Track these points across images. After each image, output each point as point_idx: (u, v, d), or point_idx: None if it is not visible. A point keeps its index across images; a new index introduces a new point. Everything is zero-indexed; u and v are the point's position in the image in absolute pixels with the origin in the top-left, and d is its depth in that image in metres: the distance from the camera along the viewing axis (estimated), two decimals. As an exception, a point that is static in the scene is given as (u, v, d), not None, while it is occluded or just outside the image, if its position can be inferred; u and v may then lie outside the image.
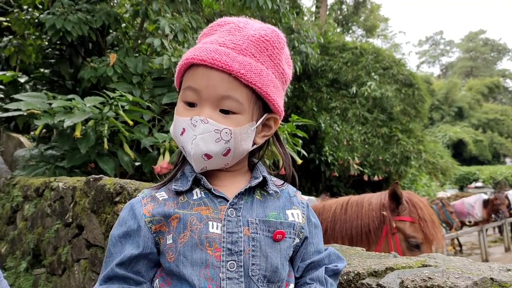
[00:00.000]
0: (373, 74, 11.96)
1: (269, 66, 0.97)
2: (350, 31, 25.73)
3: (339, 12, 23.47)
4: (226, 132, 0.93)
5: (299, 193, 1.11)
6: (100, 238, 2.59)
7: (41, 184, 3.80)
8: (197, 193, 0.97)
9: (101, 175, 2.81)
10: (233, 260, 0.90)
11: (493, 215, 11.23)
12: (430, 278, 1.05)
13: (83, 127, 4.17)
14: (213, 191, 0.96)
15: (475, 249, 12.27)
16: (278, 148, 1.10)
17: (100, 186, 2.63)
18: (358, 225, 2.44)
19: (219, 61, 0.90)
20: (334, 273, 1.07)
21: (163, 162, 3.98)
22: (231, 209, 0.94)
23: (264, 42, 0.95)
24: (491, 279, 1.01)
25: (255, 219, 0.95)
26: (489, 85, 53.14)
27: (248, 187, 0.98)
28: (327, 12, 17.42)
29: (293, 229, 1.00)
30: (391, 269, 1.19)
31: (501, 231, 12.96)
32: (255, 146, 1.03)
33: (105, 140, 4.12)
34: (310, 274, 1.04)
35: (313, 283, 1.02)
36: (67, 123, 3.87)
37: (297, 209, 1.04)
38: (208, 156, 0.94)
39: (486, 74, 63.27)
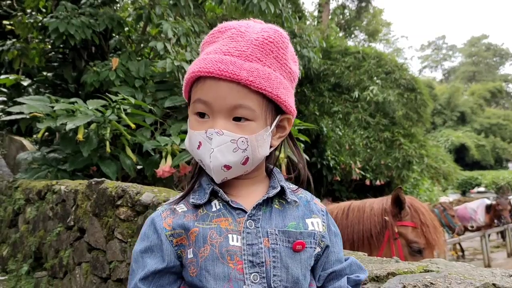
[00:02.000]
0: (375, 78, 11.94)
1: (276, 68, 0.95)
2: (353, 36, 25.78)
3: (341, 16, 23.49)
4: (242, 141, 0.92)
5: (317, 200, 1.10)
6: (101, 242, 2.59)
7: (43, 187, 3.81)
8: (215, 204, 0.97)
9: (103, 179, 2.82)
10: (256, 272, 0.90)
11: (495, 220, 11.21)
12: (432, 283, 1.05)
13: (86, 130, 4.17)
14: (231, 203, 0.95)
15: (478, 255, 12.22)
16: (292, 149, 1.09)
17: (102, 190, 2.64)
18: (360, 230, 2.44)
19: (226, 72, 0.89)
20: (356, 284, 1.05)
21: (165, 166, 3.98)
22: (249, 220, 0.94)
23: (268, 45, 0.94)
24: (493, 284, 1.01)
25: (274, 230, 0.95)
26: (492, 90, 53.07)
27: (266, 198, 0.97)
28: (330, 17, 17.46)
29: (314, 239, 0.99)
30: (393, 274, 1.19)
31: (503, 237, 12.92)
32: (272, 149, 1.02)
33: (107, 143, 4.12)
34: (332, 284, 1.03)
35: None
36: (70, 126, 3.87)
37: (317, 217, 1.03)
38: (228, 167, 0.93)
39: (488, 79, 63.18)
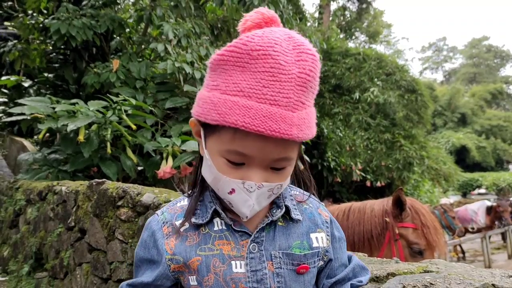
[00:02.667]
0: (376, 80, 11.96)
1: (312, 100, 0.88)
2: (353, 37, 25.78)
3: (342, 18, 23.51)
4: (278, 188, 0.89)
5: (322, 207, 1.08)
6: (102, 242, 2.60)
7: (44, 188, 3.82)
8: (218, 223, 0.95)
9: (103, 179, 2.82)
10: None
11: (496, 222, 11.20)
12: (431, 284, 1.05)
13: (86, 131, 4.18)
14: (233, 227, 0.94)
15: (478, 256, 12.21)
16: (299, 168, 1.03)
17: (103, 190, 2.64)
18: (361, 231, 2.44)
19: (277, 132, 0.78)
20: (356, 287, 1.06)
21: (166, 167, 3.98)
22: (253, 244, 0.92)
23: (309, 81, 0.83)
24: (493, 285, 1.01)
25: (278, 252, 0.93)
26: (492, 91, 53.04)
27: (270, 220, 0.95)
28: (330, 18, 17.47)
29: (317, 257, 0.98)
30: (393, 274, 1.19)
31: (504, 238, 12.90)
32: None
33: (108, 144, 4.13)
34: None
35: None
36: (71, 127, 3.88)
37: (322, 231, 1.01)
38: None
39: (489, 81, 63.17)
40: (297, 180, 1.05)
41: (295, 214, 0.97)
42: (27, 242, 4.00)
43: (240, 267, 0.90)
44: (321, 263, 1.00)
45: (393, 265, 1.30)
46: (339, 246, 1.05)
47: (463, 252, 12.28)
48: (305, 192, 1.06)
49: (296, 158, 0.90)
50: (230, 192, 0.86)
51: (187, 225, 0.95)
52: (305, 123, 0.82)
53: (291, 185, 1.04)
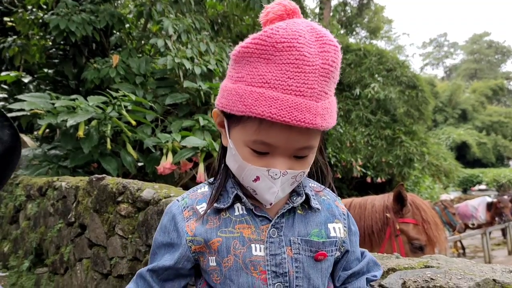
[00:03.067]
0: (376, 76, 11.93)
1: (333, 89, 0.90)
2: (354, 33, 25.73)
3: (342, 13, 23.44)
4: (301, 175, 0.92)
5: (339, 200, 1.09)
6: (102, 238, 2.59)
7: (44, 184, 3.81)
8: (238, 208, 0.97)
9: (103, 175, 2.82)
10: (279, 282, 0.91)
11: (496, 218, 11.20)
12: (432, 279, 1.05)
13: (86, 127, 4.18)
14: (255, 212, 0.95)
15: (479, 252, 12.21)
16: (319, 158, 1.03)
17: (103, 186, 2.64)
18: (361, 227, 2.43)
19: (303, 122, 0.81)
20: (371, 281, 1.09)
21: (166, 163, 3.98)
22: (273, 229, 0.94)
23: (332, 71, 0.85)
24: (494, 280, 1.01)
25: (297, 239, 0.95)
26: (493, 87, 52.94)
27: (290, 207, 0.96)
28: (331, 14, 17.41)
29: (335, 246, 0.99)
30: (393, 270, 1.19)
31: (504, 234, 12.91)
32: None
33: (108, 140, 4.12)
34: (352, 284, 1.05)
35: None
36: (70, 122, 3.88)
37: (339, 222, 1.03)
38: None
39: (490, 77, 63.05)
40: (315, 169, 1.06)
41: (314, 203, 0.99)
42: (27, 237, 4.00)
43: (260, 251, 0.91)
44: (338, 253, 1.01)
45: (393, 260, 1.30)
46: (355, 240, 1.07)
47: (463, 248, 12.29)
48: (321, 185, 1.08)
49: (317, 146, 0.93)
50: (255, 180, 0.89)
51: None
52: (328, 112, 0.85)
53: (308, 178, 1.05)
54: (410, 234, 2.36)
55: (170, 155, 4.03)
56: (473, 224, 11.26)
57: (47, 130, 4.99)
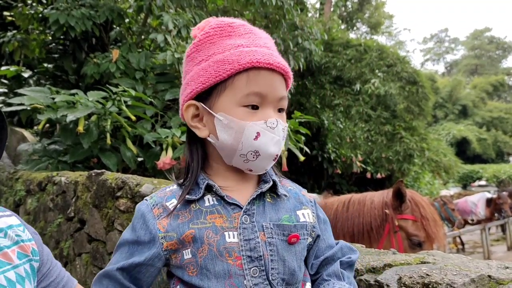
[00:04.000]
0: (377, 71, 11.90)
1: None
2: (355, 28, 25.67)
3: (343, 8, 23.37)
4: (285, 130, 1.00)
5: (304, 191, 1.13)
6: (101, 233, 2.61)
7: (43, 179, 3.82)
8: (209, 199, 0.98)
9: (103, 170, 2.82)
10: (255, 266, 0.92)
11: (496, 214, 11.23)
12: (427, 274, 1.05)
13: (86, 122, 4.18)
14: (226, 199, 0.97)
15: (478, 248, 12.25)
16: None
17: (102, 181, 2.65)
18: (360, 223, 2.44)
19: (280, 64, 0.96)
20: (349, 265, 1.09)
21: (166, 158, 3.98)
22: (245, 215, 0.95)
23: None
24: (489, 276, 1.02)
25: (269, 224, 0.97)
26: (494, 83, 52.90)
27: (259, 192, 0.99)
28: (332, 9, 17.36)
29: (306, 230, 1.02)
30: (390, 265, 1.20)
31: (503, 230, 12.95)
32: None
33: (108, 135, 4.12)
34: (326, 270, 1.06)
35: (330, 279, 1.04)
36: (70, 118, 3.88)
37: (307, 208, 1.06)
38: (275, 158, 0.99)
39: (491, 72, 62.97)
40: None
41: (281, 190, 1.03)
42: (27, 232, 4.01)
43: (233, 237, 0.93)
44: (310, 239, 1.03)
45: (390, 256, 1.30)
46: (325, 228, 1.10)
47: (462, 243, 12.33)
48: (282, 176, 1.12)
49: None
50: (256, 137, 0.94)
51: (176, 202, 0.98)
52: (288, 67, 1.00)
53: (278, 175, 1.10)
54: (409, 231, 2.36)
55: (170, 150, 4.03)
56: (472, 220, 11.28)
57: (47, 125, 4.99)
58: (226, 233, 0.93)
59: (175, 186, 1.04)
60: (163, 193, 1.02)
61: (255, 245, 0.93)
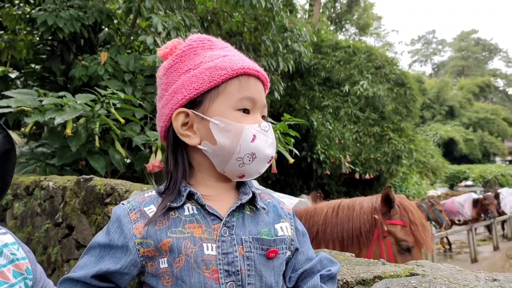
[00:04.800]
0: (365, 73, 11.96)
1: None
2: (343, 29, 25.77)
3: (332, 10, 23.46)
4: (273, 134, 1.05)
5: (282, 203, 1.12)
6: (90, 239, 2.58)
7: (31, 183, 3.78)
8: (188, 208, 0.96)
9: (91, 176, 2.80)
10: (232, 281, 0.91)
11: (482, 215, 11.37)
12: (417, 288, 1.06)
13: (74, 125, 4.14)
14: (207, 208, 0.95)
15: (464, 248, 12.39)
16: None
17: (91, 187, 2.62)
18: (350, 228, 2.45)
19: (265, 74, 1.05)
20: (330, 278, 1.06)
21: (155, 161, 3.97)
22: (224, 228, 0.94)
23: None
24: (477, 290, 1.03)
25: (249, 237, 0.96)
26: (480, 84, 53.55)
27: (239, 204, 0.98)
28: (321, 10, 17.42)
29: (285, 244, 1.01)
30: (379, 277, 1.20)
31: (490, 230, 13.11)
32: None
33: (96, 138, 4.09)
34: (306, 284, 1.04)
35: None
36: (58, 120, 3.84)
37: (286, 221, 1.06)
38: (270, 160, 1.02)
39: (477, 74, 63.74)
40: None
41: (260, 203, 1.03)
42: (14, 237, 3.96)
43: (212, 250, 0.91)
44: (289, 253, 1.03)
45: (379, 267, 1.31)
46: (303, 240, 1.09)
47: (449, 244, 12.46)
48: (260, 187, 1.14)
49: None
50: (253, 140, 0.97)
51: (154, 209, 0.96)
52: None
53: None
54: (397, 236, 2.38)
55: (159, 153, 4.02)
56: (459, 220, 11.41)
57: (34, 127, 4.94)
58: (204, 245, 0.91)
59: (153, 192, 1.02)
60: (141, 198, 1.00)
61: (233, 259, 0.92)
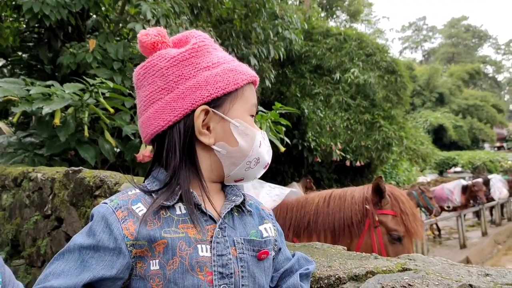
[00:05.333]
0: (356, 60, 11.95)
1: None
2: (334, 16, 25.64)
3: (323, -4, 23.29)
4: None
5: (263, 204, 1.13)
6: (80, 232, 2.56)
7: (19, 174, 3.73)
8: (180, 208, 0.93)
9: (80, 168, 2.76)
10: (225, 284, 0.89)
11: (471, 201, 11.51)
12: (410, 285, 1.06)
13: (63, 114, 4.08)
14: (202, 208, 0.93)
15: (453, 234, 12.56)
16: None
17: (80, 179, 2.59)
18: (341, 218, 2.46)
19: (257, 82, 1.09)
20: (307, 276, 1.10)
21: (145, 151, 3.93)
22: (217, 229, 0.93)
23: None
24: (470, 285, 1.02)
25: (240, 239, 0.96)
26: (470, 71, 53.83)
27: (233, 206, 0.98)
28: (312, -4, 17.26)
29: (271, 245, 1.02)
30: (372, 272, 1.20)
31: (478, 216, 13.29)
32: None
33: (86, 127, 4.04)
34: (285, 283, 1.06)
35: None
36: (46, 110, 3.78)
37: (269, 222, 1.07)
38: (267, 166, 1.05)
39: (467, 60, 64.04)
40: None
41: (248, 206, 1.03)
42: (3, 228, 3.92)
43: (206, 251, 0.89)
44: (273, 253, 1.04)
45: (372, 261, 1.31)
46: (281, 240, 1.11)
47: (439, 230, 12.62)
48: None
49: None
50: (259, 145, 1.00)
51: (143, 208, 0.90)
52: None
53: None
54: (388, 225, 2.39)
55: (149, 143, 3.98)
56: (448, 207, 11.55)
57: (22, 116, 4.87)
58: (199, 246, 0.89)
59: (137, 190, 0.96)
60: (125, 197, 0.93)
61: (227, 262, 0.90)
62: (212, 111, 0.96)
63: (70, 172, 2.74)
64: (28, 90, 4.05)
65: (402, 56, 71.29)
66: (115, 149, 4.38)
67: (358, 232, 2.46)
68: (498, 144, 47.08)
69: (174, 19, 5.79)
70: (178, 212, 0.92)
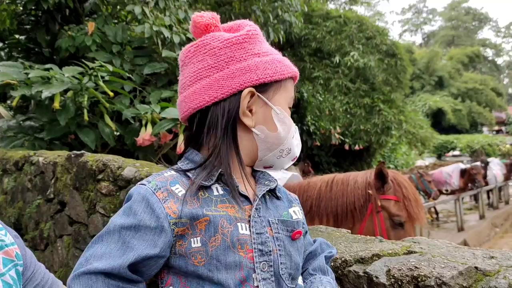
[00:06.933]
0: (356, 43, 11.85)
1: None
2: (334, -2, 25.35)
3: (323, -22, 23.00)
4: None
5: (287, 190, 1.18)
6: (83, 215, 2.57)
7: (20, 158, 3.72)
8: (217, 189, 0.96)
9: (82, 151, 2.76)
10: (265, 261, 0.93)
11: (469, 184, 11.57)
12: (416, 267, 1.07)
13: (62, 98, 4.06)
14: (239, 189, 0.97)
15: (451, 217, 12.64)
16: None
17: (82, 163, 2.59)
18: (344, 202, 2.46)
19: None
20: (330, 259, 1.16)
21: (145, 134, 3.93)
22: (254, 210, 0.96)
23: None
24: (476, 268, 1.03)
25: (275, 219, 0.99)
26: (470, 54, 53.51)
27: (268, 189, 1.03)
28: (311, -22, 17.05)
29: (301, 227, 1.07)
30: (378, 255, 1.21)
31: (476, 199, 13.38)
32: None
33: (85, 111, 4.02)
34: (311, 265, 1.11)
35: (316, 274, 1.09)
36: (45, 94, 3.76)
37: (296, 206, 1.11)
38: (295, 159, 1.10)
39: (467, 43, 63.62)
40: None
41: (278, 191, 1.08)
42: (5, 212, 3.93)
43: (246, 229, 0.93)
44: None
45: (377, 244, 1.32)
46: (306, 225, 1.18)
47: (436, 213, 12.72)
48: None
49: None
50: (293, 137, 1.06)
51: (181, 189, 0.93)
52: None
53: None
54: (391, 211, 2.40)
55: (149, 126, 3.98)
56: (446, 190, 11.62)
57: (21, 100, 4.84)
58: (239, 224, 0.92)
59: (173, 172, 0.99)
60: (163, 178, 0.96)
61: (265, 240, 0.94)
62: (258, 95, 1.00)
63: (72, 156, 2.74)
64: (27, 74, 4.02)
65: (401, 39, 70.80)
66: (115, 133, 4.37)
67: (361, 217, 2.48)
68: (496, 128, 47.12)
69: (173, 2, 5.73)
70: (215, 193, 0.95)
